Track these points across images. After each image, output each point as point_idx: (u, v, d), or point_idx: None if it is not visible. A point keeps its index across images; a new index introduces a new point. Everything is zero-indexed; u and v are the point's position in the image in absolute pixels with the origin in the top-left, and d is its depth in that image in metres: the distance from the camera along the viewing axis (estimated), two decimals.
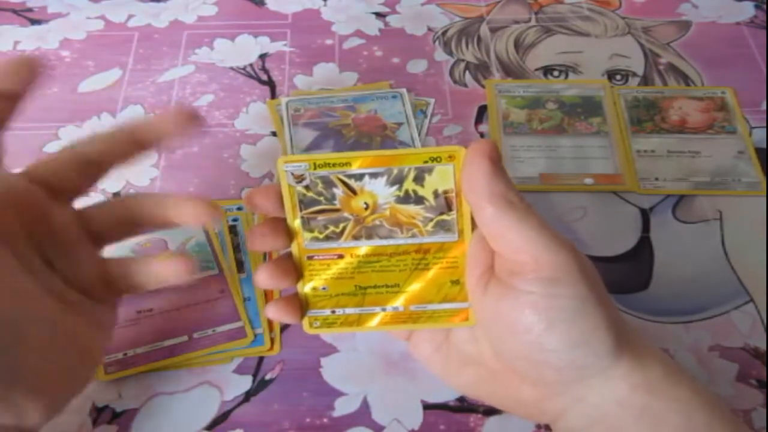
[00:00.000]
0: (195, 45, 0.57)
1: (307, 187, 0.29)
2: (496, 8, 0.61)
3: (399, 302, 0.31)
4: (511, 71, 0.55)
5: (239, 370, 0.39)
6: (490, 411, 0.37)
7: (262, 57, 0.56)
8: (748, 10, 0.60)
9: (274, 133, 0.51)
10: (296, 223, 0.30)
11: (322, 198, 0.29)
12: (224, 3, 0.61)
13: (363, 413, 0.37)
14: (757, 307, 0.41)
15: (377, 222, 0.29)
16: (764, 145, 0.49)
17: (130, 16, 0.60)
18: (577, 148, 0.49)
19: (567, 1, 0.61)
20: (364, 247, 0.30)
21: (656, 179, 0.48)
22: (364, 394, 0.38)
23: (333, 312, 0.31)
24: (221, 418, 0.37)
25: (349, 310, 0.31)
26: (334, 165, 0.28)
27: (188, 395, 0.38)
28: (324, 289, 0.31)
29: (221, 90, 0.54)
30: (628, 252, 0.44)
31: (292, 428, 0.37)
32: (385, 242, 0.30)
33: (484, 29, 0.59)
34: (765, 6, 0.60)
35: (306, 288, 0.31)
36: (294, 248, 0.30)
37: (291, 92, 0.53)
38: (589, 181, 0.48)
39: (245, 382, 0.39)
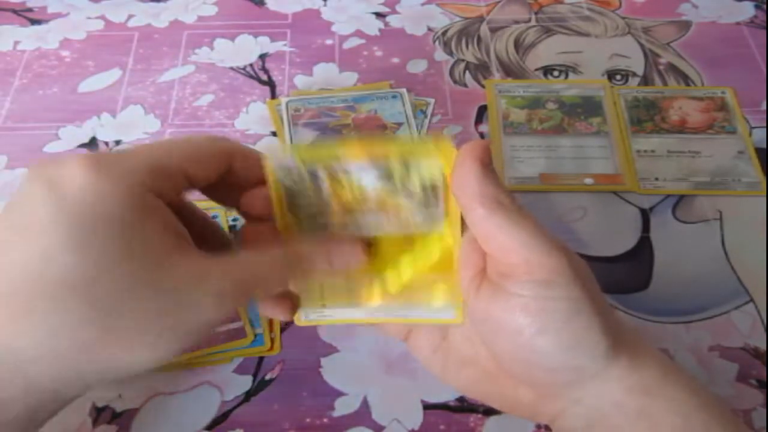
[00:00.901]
0: (195, 45, 0.57)
1: (294, 181, 0.29)
2: (496, 8, 0.61)
3: (388, 297, 0.31)
4: (511, 71, 0.55)
5: (239, 370, 0.39)
6: (490, 411, 0.37)
7: (262, 57, 0.56)
8: (748, 10, 0.60)
9: (274, 133, 0.51)
10: (284, 217, 0.30)
11: (309, 191, 0.29)
12: (224, 3, 0.61)
13: (363, 413, 0.37)
14: (757, 307, 0.41)
15: (365, 214, 0.29)
16: (764, 145, 0.49)
17: (130, 16, 0.60)
18: (577, 148, 0.49)
19: (567, 1, 0.61)
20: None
21: (656, 179, 0.48)
22: (364, 394, 0.38)
23: (324, 305, 0.31)
24: (221, 418, 0.37)
25: (340, 303, 0.31)
26: (320, 158, 0.28)
27: (188, 395, 0.38)
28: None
29: (221, 90, 0.54)
30: (628, 252, 0.44)
31: (292, 428, 0.37)
32: (373, 233, 0.30)
33: (484, 29, 0.59)
34: (765, 6, 0.60)
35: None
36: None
37: (291, 92, 0.53)
38: (589, 181, 0.48)
39: (245, 382, 0.39)
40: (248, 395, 0.38)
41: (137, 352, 0.24)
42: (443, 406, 0.38)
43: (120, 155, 0.25)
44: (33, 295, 0.22)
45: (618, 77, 0.54)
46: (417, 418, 0.37)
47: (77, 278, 0.22)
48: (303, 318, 0.32)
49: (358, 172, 0.28)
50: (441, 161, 0.28)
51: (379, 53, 0.57)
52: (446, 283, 0.30)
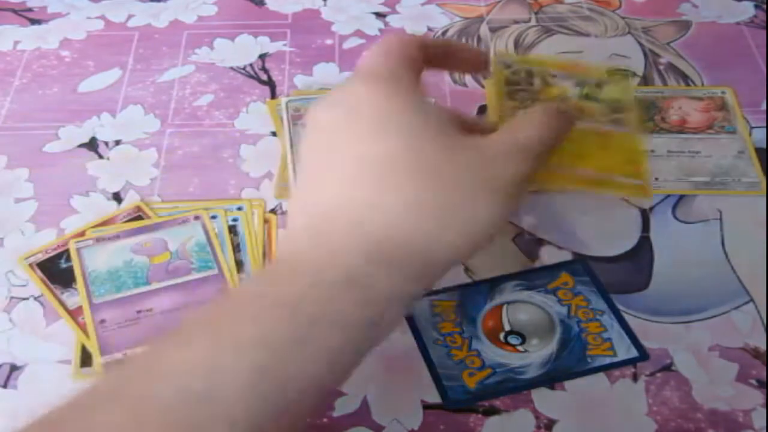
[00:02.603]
0: (195, 45, 0.57)
1: (513, 72, 0.38)
2: (496, 8, 0.61)
3: (585, 167, 0.37)
4: None
5: None
6: (490, 411, 0.37)
7: (262, 57, 0.56)
8: (748, 10, 0.60)
9: (274, 133, 0.51)
10: (502, 103, 0.36)
11: (523, 83, 0.37)
12: (224, 3, 0.61)
13: (363, 413, 0.37)
14: (757, 307, 0.41)
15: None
16: (764, 145, 0.49)
17: (130, 16, 0.60)
18: None
19: (567, 1, 0.61)
20: None
21: (656, 179, 0.48)
22: (364, 394, 0.38)
23: None
24: None
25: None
26: (534, 63, 0.38)
27: None
28: None
29: (221, 90, 0.54)
30: (628, 252, 0.44)
31: None
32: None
33: (484, 29, 0.59)
34: (765, 6, 0.60)
35: None
36: (492, 115, 0.37)
37: (291, 92, 0.54)
38: None
39: None
40: None
41: (480, 208, 0.27)
42: (443, 406, 0.38)
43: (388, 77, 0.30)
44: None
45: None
46: (417, 418, 0.37)
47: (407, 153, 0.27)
48: None
49: (562, 80, 0.38)
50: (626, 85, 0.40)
51: None
52: (634, 165, 0.37)
